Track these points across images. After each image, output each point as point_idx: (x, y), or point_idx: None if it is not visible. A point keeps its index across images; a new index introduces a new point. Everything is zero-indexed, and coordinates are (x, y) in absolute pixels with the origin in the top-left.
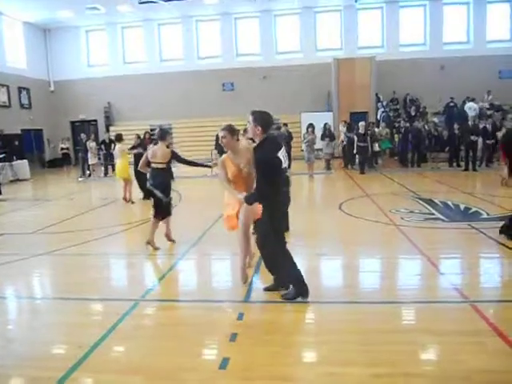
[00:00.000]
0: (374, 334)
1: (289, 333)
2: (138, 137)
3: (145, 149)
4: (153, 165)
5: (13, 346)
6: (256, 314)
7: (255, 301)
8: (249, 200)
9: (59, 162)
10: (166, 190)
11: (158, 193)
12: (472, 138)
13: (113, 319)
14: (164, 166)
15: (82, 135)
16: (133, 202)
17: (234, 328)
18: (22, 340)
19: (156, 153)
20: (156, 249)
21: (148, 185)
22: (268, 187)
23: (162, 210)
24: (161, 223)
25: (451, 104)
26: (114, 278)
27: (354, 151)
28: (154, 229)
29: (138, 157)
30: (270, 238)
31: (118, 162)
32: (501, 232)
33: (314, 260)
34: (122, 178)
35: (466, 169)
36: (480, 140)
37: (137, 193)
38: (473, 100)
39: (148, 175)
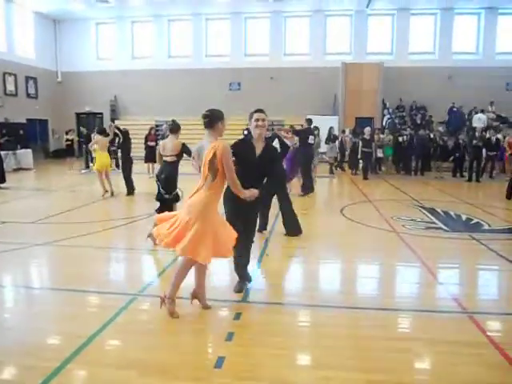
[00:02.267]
0: (371, 341)
1: (285, 335)
2: (121, 130)
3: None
4: (164, 158)
5: (9, 334)
6: (253, 315)
7: (253, 301)
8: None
9: (63, 153)
10: (170, 184)
11: (159, 186)
12: (475, 142)
13: (110, 313)
14: (174, 159)
15: (82, 128)
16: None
17: (230, 327)
18: (19, 329)
19: (166, 145)
20: (156, 244)
21: (155, 178)
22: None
23: (166, 205)
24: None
25: (454, 109)
26: (113, 272)
27: (359, 156)
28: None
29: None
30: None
31: (103, 154)
32: None
33: (313, 264)
34: (105, 170)
35: (470, 179)
36: (483, 151)
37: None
38: (482, 111)
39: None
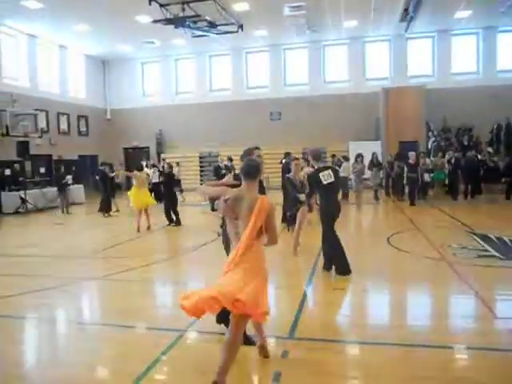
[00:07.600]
0: (425, 382)
1: (336, 375)
2: (170, 166)
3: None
4: None
5: (58, 370)
6: (301, 353)
7: (300, 337)
8: None
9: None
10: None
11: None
12: None
13: (158, 349)
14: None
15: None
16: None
17: (277, 366)
18: (68, 364)
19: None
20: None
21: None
22: None
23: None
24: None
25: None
26: (160, 307)
27: (404, 181)
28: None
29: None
30: None
31: (143, 190)
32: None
33: (360, 296)
34: (146, 206)
35: None
36: None
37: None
38: None
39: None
